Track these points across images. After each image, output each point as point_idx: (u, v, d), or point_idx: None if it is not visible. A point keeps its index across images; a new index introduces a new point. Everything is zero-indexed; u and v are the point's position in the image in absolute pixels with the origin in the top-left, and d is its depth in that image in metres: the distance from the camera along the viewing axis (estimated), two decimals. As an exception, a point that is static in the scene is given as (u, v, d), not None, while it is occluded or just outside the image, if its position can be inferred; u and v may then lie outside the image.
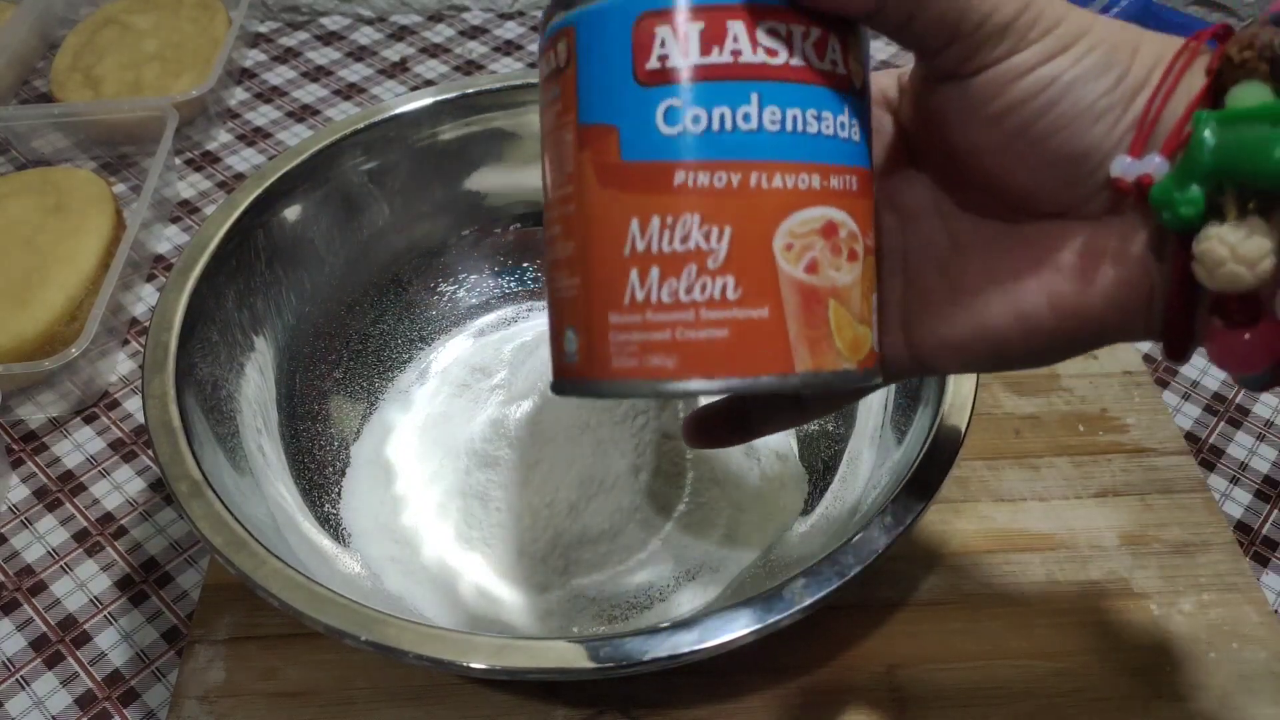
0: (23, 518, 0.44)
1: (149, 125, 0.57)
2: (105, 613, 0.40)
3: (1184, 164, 0.21)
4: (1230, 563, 0.39)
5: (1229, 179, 0.20)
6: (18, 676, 0.39)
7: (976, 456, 0.42)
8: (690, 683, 0.35)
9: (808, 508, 0.39)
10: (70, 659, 0.39)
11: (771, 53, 0.21)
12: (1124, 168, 0.22)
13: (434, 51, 0.69)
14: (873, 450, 0.37)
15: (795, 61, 0.21)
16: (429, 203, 0.46)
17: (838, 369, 0.21)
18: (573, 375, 0.23)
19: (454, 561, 0.38)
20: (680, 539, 0.39)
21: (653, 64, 0.21)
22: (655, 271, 0.21)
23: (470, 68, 0.67)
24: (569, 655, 0.28)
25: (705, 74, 0.20)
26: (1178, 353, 0.23)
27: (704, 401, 0.29)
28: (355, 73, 0.67)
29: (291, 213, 0.42)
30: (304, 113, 0.64)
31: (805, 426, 0.42)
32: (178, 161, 0.61)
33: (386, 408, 0.44)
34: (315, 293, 0.43)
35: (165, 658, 0.39)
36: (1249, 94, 0.20)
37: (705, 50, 0.20)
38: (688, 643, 0.29)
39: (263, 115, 0.64)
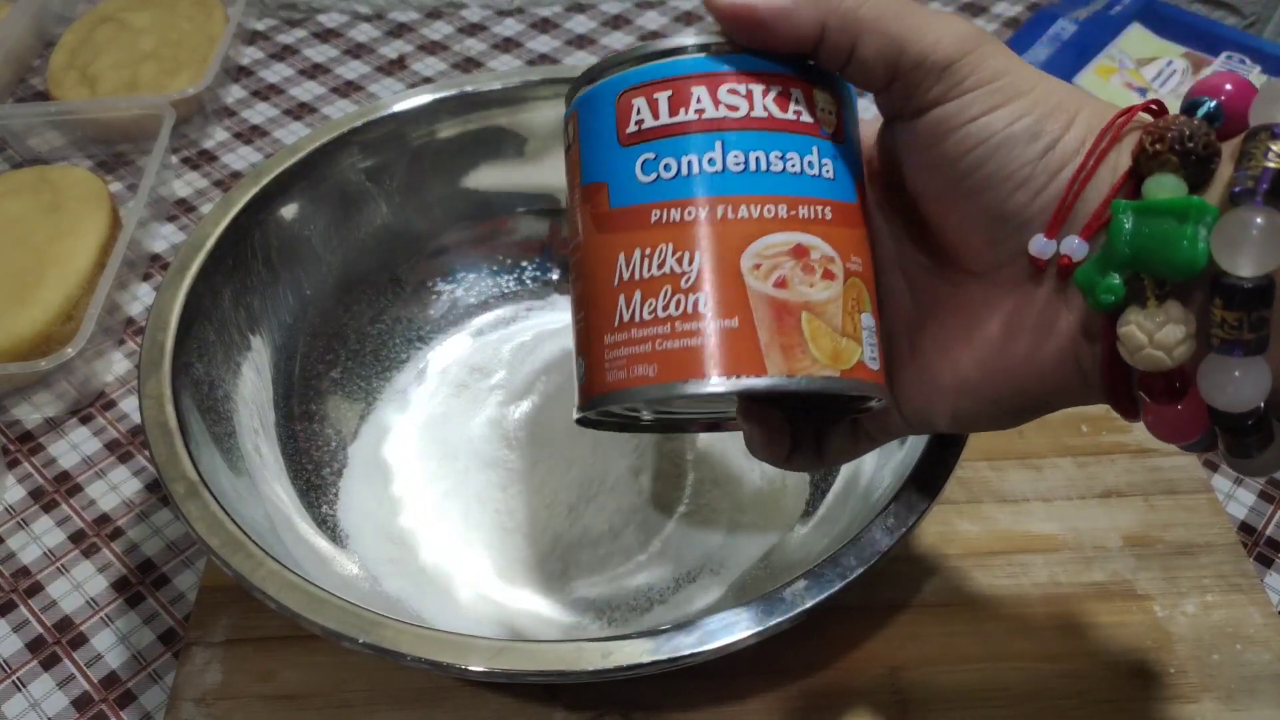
0: (19, 519, 0.44)
1: (145, 123, 0.57)
2: (102, 614, 0.40)
3: (1104, 251, 0.21)
4: (1234, 564, 0.39)
5: (1144, 267, 0.21)
6: (14, 678, 0.38)
7: (980, 457, 0.42)
8: (691, 685, 0.35)
9: (809, 509, 0.39)
10: (67, 661, 0.39)
11: (732, 108, 0.24)
12: (1040, 247, 0.22)
13: (432, 49, 0.68)
14: (875, 450, 0.37)
15: (757, 113, 0.24)
16: (427, 201, 0.45)
17: (815, 374, 0.23)
18: (581, 400, 0.25)
19: (452, 563, 0.38)
20: (681, 541, 0.38)
21: (631, 128, 0.24)
22: (638, 294, 0.24)
23: (469, 65, 0.67)
24: (568, 657, 0.28)
25: (673, 131, 0.24)
26: (1128, 414, 0.23)
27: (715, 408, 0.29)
28: (353, 70, 0.67)
29: (289, 211, 0.42)
30: (301, 111, 0.64)
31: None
32: (174, 160, 0.60)
33: (384, 408, 0.44)
34: (312, 292, 0.43)
35: (162, 659, 0.39)
36: (1161, 186, 0.21)
37: (673, 112, 0.24)
38: (688, 645, 0.28)
39: (260, 113, 0.64)
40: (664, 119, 0.24)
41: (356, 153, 0.43)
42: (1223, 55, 0.56)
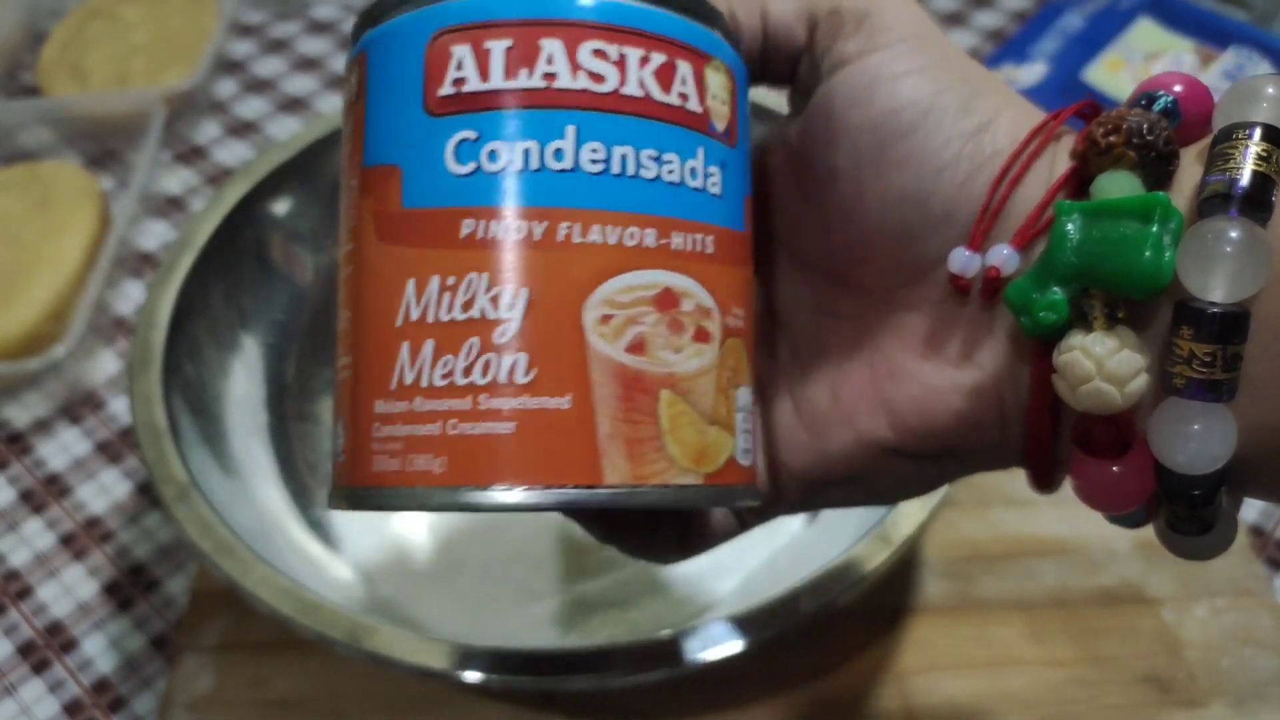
0: (9, 521, 0.43)
1: (136, 119, 0.56)
2: (93, 618, 0.40)
3: (1044, 261, 0.17)
4: (1244, 567, 0.38)
5: (1094, 281, 0.17)
6: (5, 683, 0.38)
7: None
8: (692, 692, 0.35)
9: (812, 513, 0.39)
10: (58, 665, 0.38)
11: (596, 78, 0.17)
12: (962, 264, 0.19)
13: (429, 43, 0.68)
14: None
15: (629, 90, 0.17)
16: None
17: (669, 483, 0.17)
18: (335, 483, 0.19)
19: (446, 568, 0.38)
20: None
21: (445, 90, 0.17)
22: (429, 346, 0.17)
23: (466, 60, 0.66)
24: (566, 664, 0.28)
25: (508, 100, 0.17)
26: (1044, 481, 0.19)
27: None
28: (348, 65, 0.66)
29: (281, 208, 0.41)
30: (294, 105, 0.63)
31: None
32: (165, 156, 0.60)
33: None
34: (305, 289, 0.43)
35: (154, 665, 0.38)
36: (1116, 184, 0.17)
37: (511, 73, 0.17)
38: (690, 651, 0.28)
39: (252, 108, 0.63)
40: (496, 81, 0.17)
41: (350, 148, 0.42)
42: (1231, 49, 0.55)
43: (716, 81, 0.18)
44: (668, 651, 0.28)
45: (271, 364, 0.41)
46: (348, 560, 0.37)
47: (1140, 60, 0.56)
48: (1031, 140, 0.19)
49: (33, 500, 0.44)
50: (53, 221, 0.50)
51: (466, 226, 0.17)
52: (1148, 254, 0.16)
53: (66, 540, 0.42)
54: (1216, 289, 0.16)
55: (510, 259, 0.17)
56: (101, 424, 0.47)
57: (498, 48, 0.17)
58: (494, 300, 0.17)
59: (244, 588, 0.29)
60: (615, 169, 0.17)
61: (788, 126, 0.22)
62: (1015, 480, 0.42)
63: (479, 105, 0.17)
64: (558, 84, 0.17)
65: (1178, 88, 0.18)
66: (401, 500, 0.17)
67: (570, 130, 0.17)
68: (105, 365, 0.49)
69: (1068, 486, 0.19)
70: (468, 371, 0.17)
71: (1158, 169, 0.17)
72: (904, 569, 0.38)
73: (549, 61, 0.17)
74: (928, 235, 0.19)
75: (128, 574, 0.41)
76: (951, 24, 0.65)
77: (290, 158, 0.41)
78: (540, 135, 0.17)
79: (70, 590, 0.41)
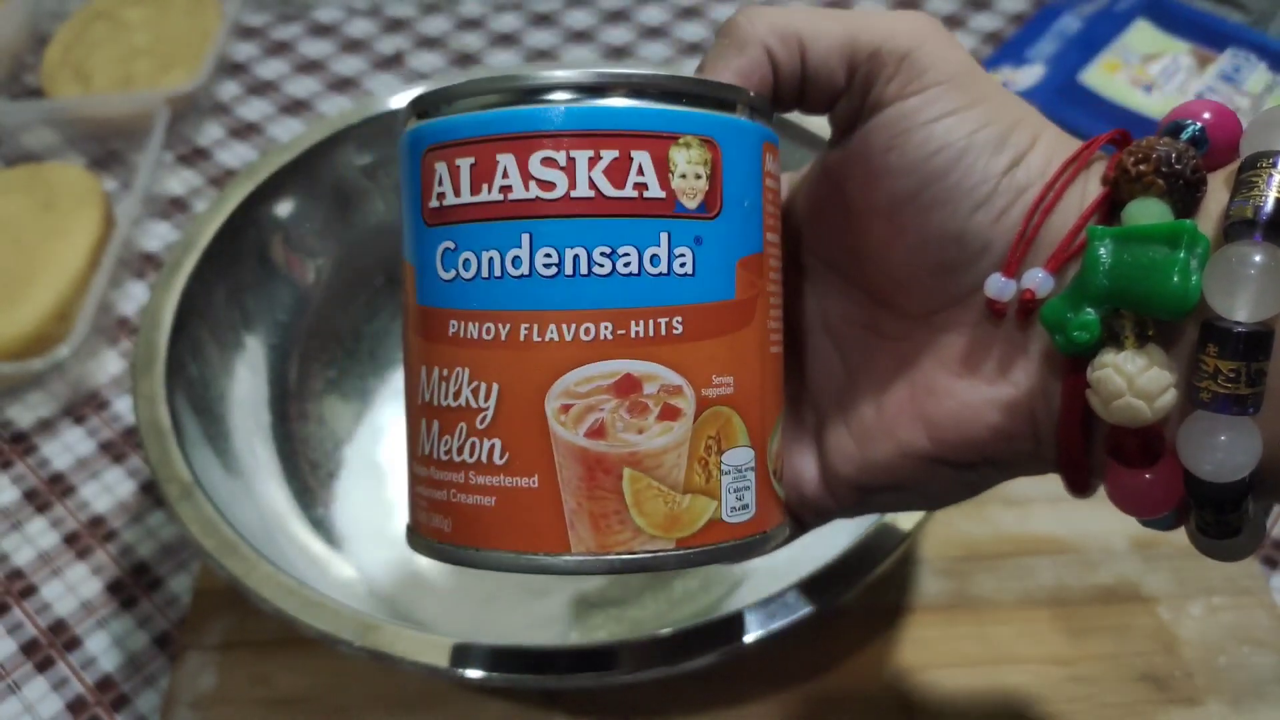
0: (12, 520, 0.43)
1: (139, 120, 0.56)
2: (96, 617, 0.40)
3: (1077, 284, 0.19)
4: (1241, 565, 0.38)
5: (1125, 303, 0.18)
6: (9, 681, 0.38)
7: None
8: (692, 690, 0.35)
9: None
10: (61, 663, 0.39)
11: (546, 186, 0.18)
12: (998, 289, 0.20)
13: (429, 44, 0.68)
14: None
15: (579, 192, 0.18)
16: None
17: (636, 550, 0.18)
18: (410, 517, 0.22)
19: (449, 566, 0.38)
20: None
21: (433, 203, 0.19)
22: (436, 426, 0.19)
23: (466, 61, 0.66)
24: (569, 662, 0.28)
25: (475, 215, 0.18)
26: (1079, 486, 0.21)
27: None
28: (349, 66, 0.66)
29: (284, 209, 0.41)
30: (297, 107, 0.63)
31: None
32: (168, 157, 0.60)
33: (381, 408, 0.43)
34: (308, 290, 0.43)
35: (156, 663, 0.38)
36: (1146, 211, 0.18)
37: (475, 188, 0.18)
38: (691, 650, 0.28)
39: (255, 110, 0.63)
40: (465, 196, 0.19)
41: (353, 150, 0.43)
42: (1228, 51, 0.55)
43: (686, 158, 0.19)
44: (669, 650, 0.28)
45: (274, 364, 0.41)
46: (350, 559, 0.38)
47: (1137, 62, 0.56)
48: (1064, 170, 0.19)
49: (36, 499, 0.44)
50: (56, 223, 0.50)
51: (452, 326, 0.19)
52: (1175, 278, 0.17)
53: (70, 539, 0.42)
54: (1241, 309, 0.17)
55: (483, 356, 0.19)
56: (105, 424, 0.47)
57: (464, 165, 0.19)
58: (474, 392, 0.19)
59: (247, 586, 0.29)
60: (568, 270, 0.18)
61: (829, 153, 0.22)
62: (1012, 481, 0.42)
63: (453, 218, 0.19)
64: (513, 196, 0.18)
65: (1206, 115, 0.19)
66: (424, 549, 0.20)
67: (525, 239, 0.18)
68: (108, 365, 0.49)
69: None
70: (460, 451, 0.19)
71: (1185, 196, 0.18)
72: (902, 568, 0.38)
73: (504, 175, 0.18)
74: (965, 267, 0.20)
75: (131, 573, 0.41)
76: (949, 26, 0.65)
77: (292, 159, 0.41)
78: (500, 245, 0.18)
79: (73, 589, 0.41)
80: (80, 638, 0.39)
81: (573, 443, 0.18)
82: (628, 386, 0.18)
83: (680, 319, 0.19)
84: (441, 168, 0.19)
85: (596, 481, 0.18)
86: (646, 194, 0.18)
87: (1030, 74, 0.57)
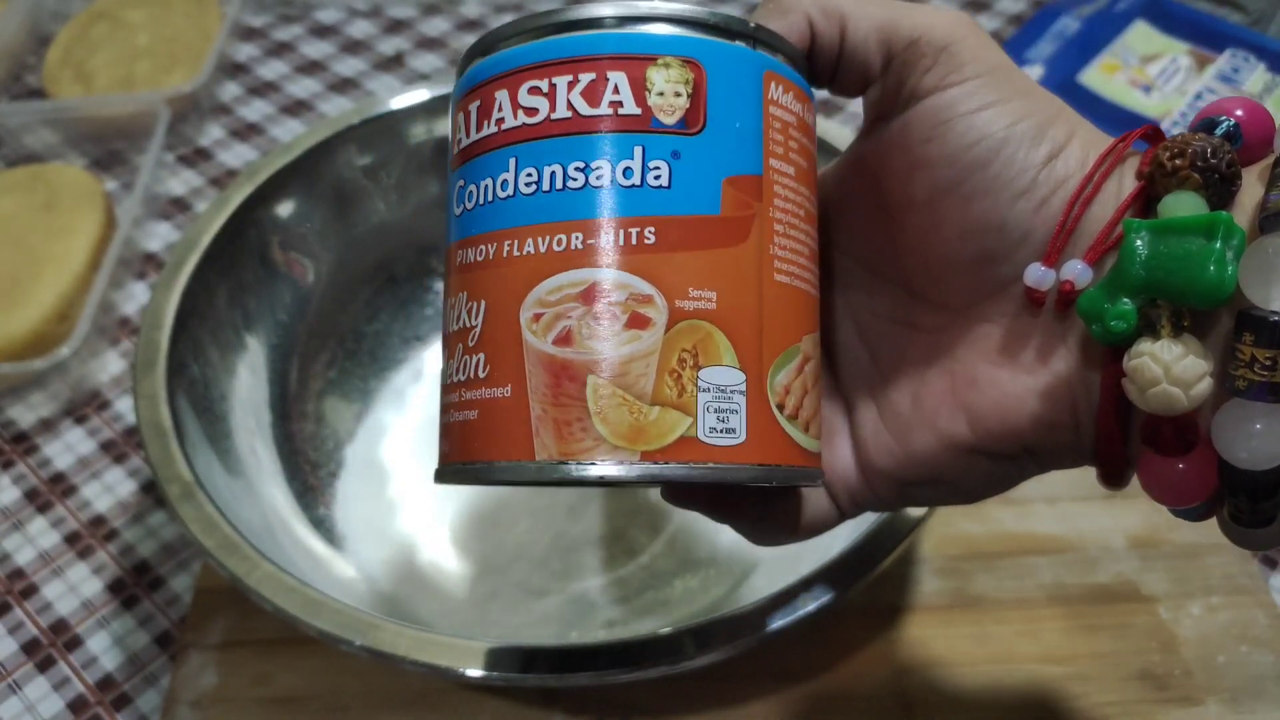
0: (14, 520, 0.43)
1: (141, 121, 0.56)
2: (97, 616, 0.40)
3: (1114, 274, 0.19)
4: (1239, 565, 0.38)
5: (1162, 293, 0.19)
6: (9, 680, 0.38)
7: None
8: (692, 688, 0.35)
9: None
10: (62, 663, 0.39)
11: (531, 112, 0.19)
12: (1038, 277, 0.20)
13: (430, 45, 0.68)
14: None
15: (558, 114, 0.19)
16: (425, 199, 0.45)
17: (595, 458, 0.18)
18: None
19: (450, 565, 0.38)
20: (684, 541, 0.38)
21: (454, 149, 0.21)
22: (445, 352, 0.21)
23: (467, 62, 0.66)
24: (568, 661, 0.28)
25: (477, 150, 0.20)
26: (1114, 477, 0.21)
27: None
28: (350, 67, 0.66)
29: (285, 210, 0.41)
30: (298, 108, 0.63)
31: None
32: (169, 158, 0.60)
33: (381, 408, 0.43)
34: (308, 291, 0.43)
35: (157, 662, 0.38)
36: (1181, 204, 0.19)
37: (479, 127, 0.20)
38: (690, 648, 0.28)
39: (256, 110, 0.63)
40: (472, 135, 0.20)
41: (354, 150, 0.43)
42: (1227, 52, 0.55)
43: (665, 77, 0.19)
44: (669, 649, 0.28)
45: (275, 364, 0.41)
46: (351, 558, 0.38)
47: (1136, 63, 0.56)
48: (1102, 163, 0.20)
49: (37, 499, 0.44)
50: (57, 223, 0.50)
51: (459, 256, 0.20)
52: (1212, 268, 0.18)
53: (71, 539, 0.42)
54: (1277, 298, 0.17)
55: (476, 277, 0.20)
56: (106, 424, 0.47)
57: (473, 109, 0.20)
58: (469, 312, 0.20)
59: (248, 585, 0.29)
60: (545, 186, 0.19)
61: (862, 143, 0.23)
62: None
63: (465, 158, 0.21)
64: (505, 126, 0.20)
65: (1239, 112, 0.20)
66: (436, 476, 0.21)
67: (511, 162, 0.20)
68: (110, 365, 0.49)
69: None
70: (458, 371, 0.20)
71: (1220, 190, 0.19)
72: (902, 567, 0.38)
73: (499, 109, 0.20)
74: (1005, 257, 0.21)
75: (131, 572, 0.41)
76: (950, 27, 0.66)
77: (293, 160, 0.41)
78: (493, 172, 0.20)
79: (74, 588, 0.41)
80: (81, 637, 0.39)
81: (541, 350, 0.19)
82: (595, 294, 0.19)
83: (653, 229, 0.19)
84: (460, 117, 0.21)
85: (561, 389, 0.19)
86: (621, 110, 0.19)
87: (1029, 75, 0.57)
